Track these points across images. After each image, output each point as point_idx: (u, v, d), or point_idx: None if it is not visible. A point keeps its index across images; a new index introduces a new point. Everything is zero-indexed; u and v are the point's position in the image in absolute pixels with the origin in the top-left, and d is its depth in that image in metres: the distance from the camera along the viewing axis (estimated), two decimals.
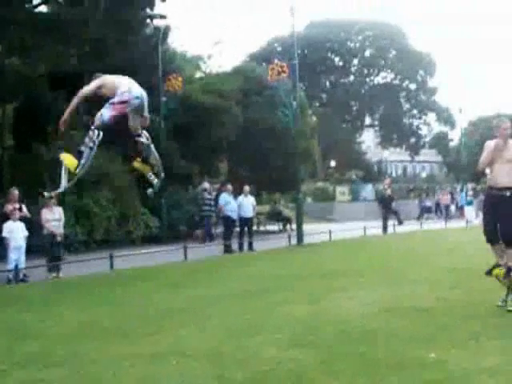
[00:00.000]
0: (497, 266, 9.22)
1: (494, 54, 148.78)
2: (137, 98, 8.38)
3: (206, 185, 35.97)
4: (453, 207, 45.37)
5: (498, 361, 6.43)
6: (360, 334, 7.93)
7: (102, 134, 8.33)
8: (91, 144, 8.24)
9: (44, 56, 25.43)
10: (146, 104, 8.60)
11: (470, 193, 43.53)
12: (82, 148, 8.27)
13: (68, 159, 8.27)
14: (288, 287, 12.54)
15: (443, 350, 6.94)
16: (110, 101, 8.37)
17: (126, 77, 8.94)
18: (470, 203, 40.75)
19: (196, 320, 9.41)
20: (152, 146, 8.94)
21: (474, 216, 38.13)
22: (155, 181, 9.11)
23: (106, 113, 8.29)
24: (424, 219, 41.33)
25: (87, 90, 8.70)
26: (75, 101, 8.68)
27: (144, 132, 8.87)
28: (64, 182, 8.39)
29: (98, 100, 8.79)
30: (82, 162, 8.20)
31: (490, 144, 9.34)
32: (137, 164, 8.94)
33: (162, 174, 9.21)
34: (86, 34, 25.43)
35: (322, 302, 10.43)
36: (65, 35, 24.89)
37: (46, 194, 9.17)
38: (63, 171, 8.37)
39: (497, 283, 9.41)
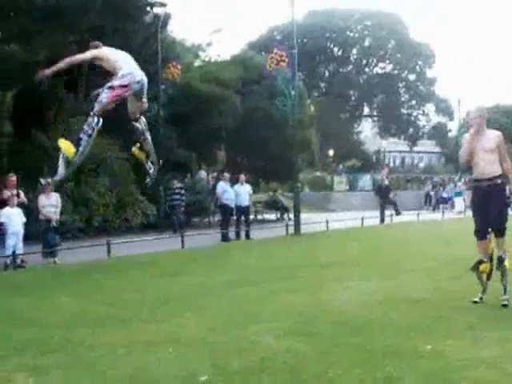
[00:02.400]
0: (481, 261, 9.20)
1: (493, 44, 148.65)
2: (138, 82, 8.31)
3: (203, 173, 35.86)
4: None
5: (495, 352, 6.44)
6: (357, 324, 7.94)
7: (101, 120, 8.27)
8: (90, 131, 8.17)
9: (43, 43, 25.32)
10: (145, 88, 8.53)
11: (459, 184, 43.62)
12: (81, 135, 8.20)
13: (66, 145, 8.17)
14: (285, 276, 12.54)
15: (440, 340, 6.95)
16: (110, 84, 8.27)
17: (124, 53, 8.84)
18: (458, 194, 40.84)
19: (192, 308, 9.42)
20: (148, 133, 8.88)
21: (463, 207, 38.38)
22: (151, 170, 9.09)
23: (105, 97, 8.20)
24: (440, 210, 41.00)
25: (82, 57, 8.69)
26: (66, 61, 8.62)
27: (142, 118, 8.82)
28: (62, 170, 8.27)
29: (94, 67, 8.78)
30: (81, 149, 8.10)
31: (466, 136, 9.38)
32: (135, 150, 8.89)
33: (158, 162, 9.21)
34: (85, 22, 25.36)
35: (319, 292, 10.44)
36: (64, 22, 24.82)
37: (42, 180, 9.05)
38: (61, 159, 8.27)
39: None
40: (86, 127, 8.21)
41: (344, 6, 74.16)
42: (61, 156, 8.23)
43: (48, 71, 8.66)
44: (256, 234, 23.93)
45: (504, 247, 9.06)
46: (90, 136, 8.18)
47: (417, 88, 72.80)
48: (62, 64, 8.65)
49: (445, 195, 45.68)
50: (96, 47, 8.89)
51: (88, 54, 8.66)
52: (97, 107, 8.22)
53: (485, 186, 9.05)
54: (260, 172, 39.67)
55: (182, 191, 28.15)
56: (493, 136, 9.16)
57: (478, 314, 8.27)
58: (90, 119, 8.22)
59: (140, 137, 8.86)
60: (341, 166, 65.17)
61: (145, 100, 8.72)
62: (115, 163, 27.67)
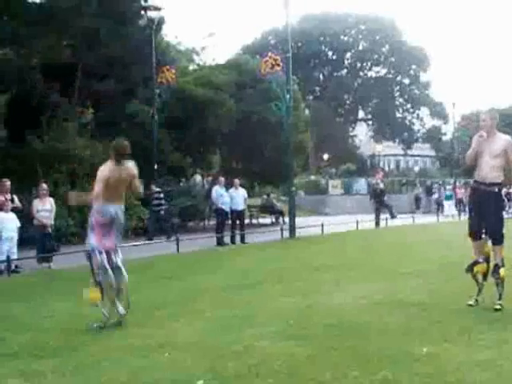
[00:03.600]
0: (476, 262, 9.21)
1: (488, 48, 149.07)
2: (112, 217, 8.57)
3: (198, 177, 35.70)
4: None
5: (491, 355, 6.44)
6: (352, 327, 7.94)
7: (103, 252, 8.37)
8: (102, 268, 8.44)
9: (37, 47, 25.35)
10: (121, 221, 8.73)
11: (449, 187, 43.61)
12: (98, 277, 8.44)
13: (92, 296, 8.44)
14: (280, 280, 12.54)
15: (435, 343, 6.96)
16: (89, 226, 8.60)
17: (113, 177, 8.63)
18: (449, 198, 40.84)
19: (188, 312, 9.41)
20: (123, 269, 8.86)
21: (453, 210, 38.43)
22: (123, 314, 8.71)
23: (91, 241, 8.53)
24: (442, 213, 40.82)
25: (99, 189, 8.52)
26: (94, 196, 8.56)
27: (118, 252, 8.84)
28: (106, 312, 8.46)
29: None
30: (103, 287, 8.40)
31: (475, 137, 9.33)
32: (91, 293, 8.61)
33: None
34: (79, 26, 25.36)
35: (314, 295, 10.44)
36: (58, 26, 24.82)
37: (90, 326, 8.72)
38: (101, 307, 8.45)
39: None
40: (95, 269, 8.45)
41: (338, 10, 74.30)
42: (99, 304, 8.43)
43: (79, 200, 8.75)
44: (251, 238, 23.95)
45: (501, 255, 9.05)
46: (105, 271, 8.40)
47: (411, 92, 73.03)
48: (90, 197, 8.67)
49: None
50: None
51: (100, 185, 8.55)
52: (89, 248, 8.51)
53: (482, 190, 9.04)
54: (255, 176, 39.69)
55: (161, 195, 27.56)
56: (502, 140, 9.09)
57: (474, 317, 8.29)
58: (94, 259, 8.45)
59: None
60: (334, 170, 65.25)
61: (119, 234, 8.79)
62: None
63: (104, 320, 8.39)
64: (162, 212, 27.33)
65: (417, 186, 54.09)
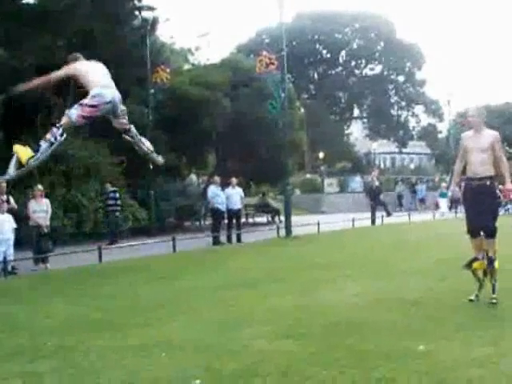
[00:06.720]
0: (475, 259, 9.24)
1: (483, 44, 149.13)
2: (108, 102, 8.09)
3: (193, 177, 35.62)
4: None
5: (487, 352, 6.45)
6: (349, 325, 7.94)
7: (65, 135, 8.04)
8: (53, 139, 7.90)
9: (31, 48, 25.29)
10: (119, 106, 8.33)
11: (444, 185, 43.49)
12: (42, 142, 7.98)
13: (21, 151, 7.96)
14: (277, 279, 12.54)
15: (432, 341, 6.96)
16: (80, 101, 8.05)
17: (100, 66, 8.62)
18: (443, 195, 40.73)
19: (185, 312, 9.41)
20: (140, 139, 8.74)
21: (446, 208, 38.36)
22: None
23: (74, 113, 7.98)
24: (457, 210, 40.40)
25: (57, 74, 8.42)
26: (42, 78, 8.46)
27: (131, 128, 8.68)
28: (11, 171, 7.98)
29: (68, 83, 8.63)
30: (38, 155, 7.80)
31: (463, 136, 9.52)
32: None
33: (160, 159, 9.09)
34: (73, 26, 25.31)
35: (311, 294, 10.44)
36: (52, 27, 24.76)
37: None
38: (14, 160, 8.02)
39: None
40: (48, 135, 7.93)
41: (332, 7, 74.26)
42: (14, 158, 8.00)
43: (23, 87, 8.49)
44: (247, 237, 23.93)
45: (494, 248, 9.08)
46: (51, 145, 7.91)
47: (406, 89, 72.98)
48: (37, 81, 8.48)
49: (459, 195, 43.69)
50: (75, 59, 8.66)
51: (63, 72, 8.38)
52: (64, 120, 7.97)
53: (475, 185, 9.09)
54: (250, 175, 39.66)
55: (117, 195, 25.59)
56: (488, 135, 9.23)
57: (471, 314, 8.30)
58: (54, 129, 7.94)
59: (136, 146, 8.74)
60: (322, 168, 65.16)
61: (120, 114, 8.52)
62: (105, 168, 27.56)
63: (9, 174, 7.98)
64: (118, 213, 25.71)
65: (398, 183, 53.85)
